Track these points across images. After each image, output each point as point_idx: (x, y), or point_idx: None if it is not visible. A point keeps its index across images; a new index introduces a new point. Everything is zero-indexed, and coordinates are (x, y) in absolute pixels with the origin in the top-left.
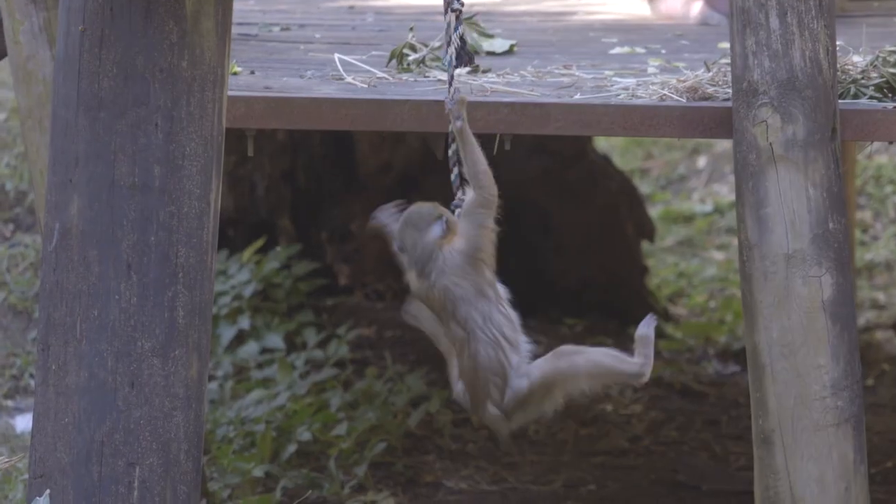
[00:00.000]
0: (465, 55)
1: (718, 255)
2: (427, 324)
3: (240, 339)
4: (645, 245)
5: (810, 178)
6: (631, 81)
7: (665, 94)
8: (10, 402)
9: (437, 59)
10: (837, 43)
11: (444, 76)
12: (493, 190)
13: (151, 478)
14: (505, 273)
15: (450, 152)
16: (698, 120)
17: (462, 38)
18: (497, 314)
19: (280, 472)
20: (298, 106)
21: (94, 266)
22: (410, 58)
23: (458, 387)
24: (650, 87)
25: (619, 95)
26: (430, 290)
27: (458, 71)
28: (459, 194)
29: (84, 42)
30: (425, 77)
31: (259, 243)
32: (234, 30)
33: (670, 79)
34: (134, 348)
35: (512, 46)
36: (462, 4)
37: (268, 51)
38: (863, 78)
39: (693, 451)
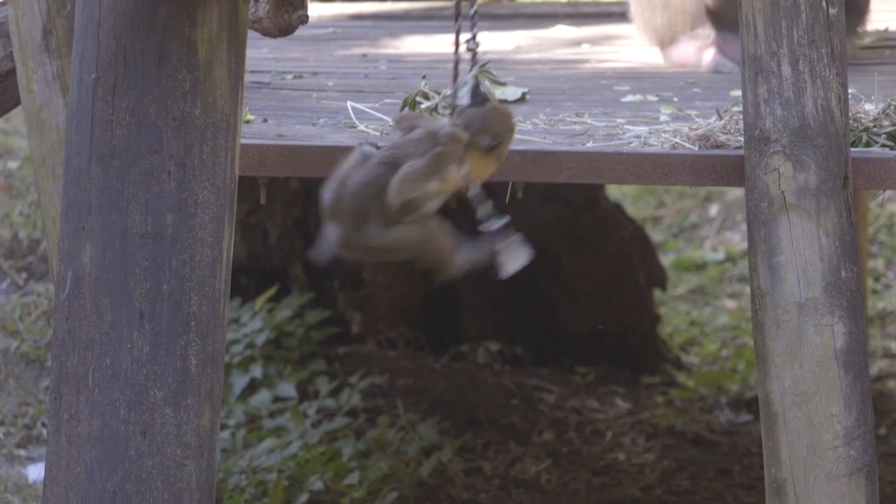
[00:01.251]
0: (479, 95)
1: (731, 304)
2: None
3: (252, 387)
4: (657, 293)
5: (822, 227)
6: (643, 129)
7: (677, 142)
8: (22, 452)
9: (451, 106)
10: (849, 91)
11: None
12: None
13: None
14: (517, 320)
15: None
16: (710, 168)
17: (477, 79)
18: None
19: None
20: (311, 154)
21: (106, 314)
22: (423, 105)
23: None
24: (662, 134)
25: (631, 143)
26: None
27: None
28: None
29: (97, 90)
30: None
31: (271, 291)
32: (247, 78)
33: (682, 127)
34: (146, 397)
35: (524, 94)
36: (477, 45)
37: (281, 99)
38: (875, 126)
39: (705, 501)
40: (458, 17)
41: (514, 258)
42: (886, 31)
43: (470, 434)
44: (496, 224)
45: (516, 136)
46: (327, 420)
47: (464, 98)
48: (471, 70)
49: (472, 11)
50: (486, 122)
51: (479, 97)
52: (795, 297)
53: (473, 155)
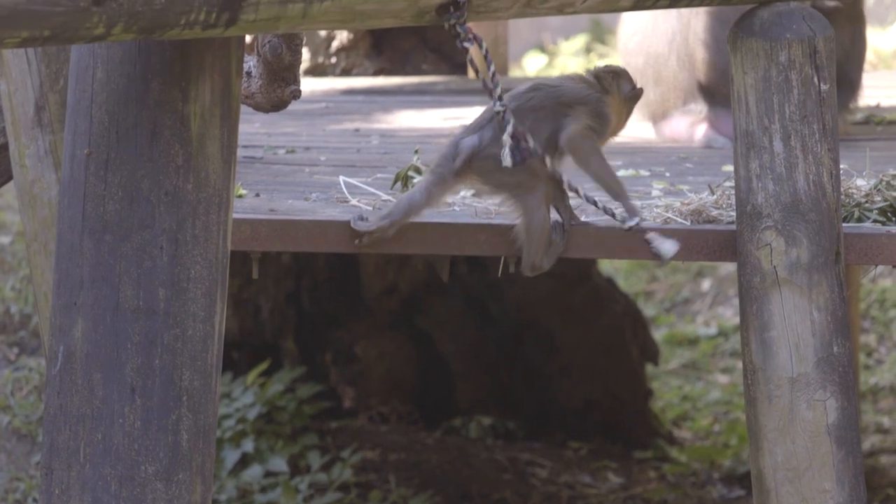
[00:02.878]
0: (522, 151)
1: (723, 379)
2: None
3: (244, 462)
4: (649, 368)
5: (814, 302)
6: (635, 204)
7: (669, 217)
8: None
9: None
10: (841, 166)
11: (450, 199)
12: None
13: None
14: (509, 395)
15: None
16: (702, 243)
17: (514, 136)
18: None
19: None
20: (303, 228)
21: (98, 389)
22: (415, 180)
23: None
24: (654, 209)
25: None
26: None
27: (462, 194)
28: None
29: (90, 165)
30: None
31: (263, 366)
32: (240, 152)
33: (674, 201)
34: (137, 472)
35: None
36: (504, 107)
37: (273, 173)
38: (866, 202)
39: None
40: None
41: (667, 246)
42: (878, 106)
43: None
44: (633, 222)
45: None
46: (319, 495)
47: (507, 159)
48: (505, 130)
49: (490, 73)
50: (624, 73)
51: (519, 155)
52: (787, 373)
53: (614, 103)
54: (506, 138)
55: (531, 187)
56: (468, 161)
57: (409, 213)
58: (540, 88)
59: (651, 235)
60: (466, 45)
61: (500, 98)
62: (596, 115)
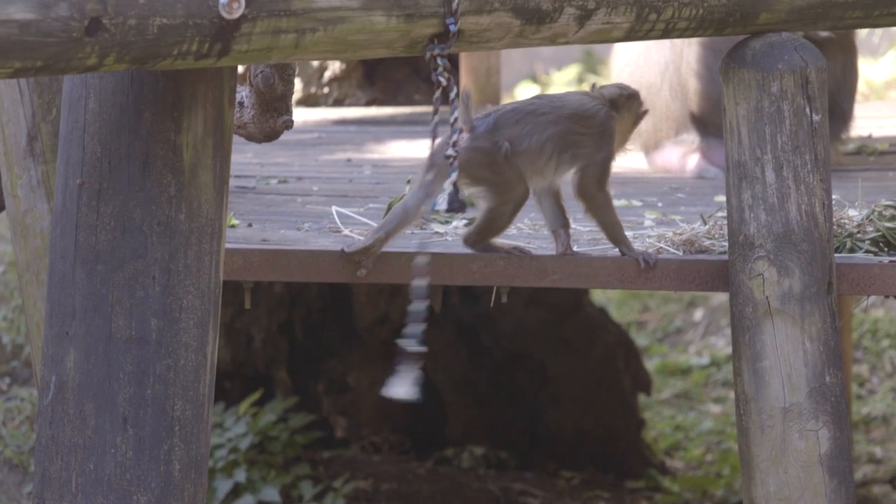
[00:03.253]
0: (458, 202)
1: (715, 409)
2: None
3: (236, 492)
4: (642, 398)
5: (807, 332)
6: (628, 234)
7: (661, 247)
8: None
9: (436, 212)
10: (833, 197)
11: (442, 229)
12: None
13: None
14: (501, 424)
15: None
16: (694, 273)
17: (455, 185)
18: None
19: None
20: (296, 258)
21: (90, 419)
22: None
23: None
24: (647, 239)
25: (615, 248)
26: None
27: (454, 224)
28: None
29: (82, 195)
30: (422, 229)
31: (255, 396)
32: (232, 182)
33: (667, 231)
34: (129, 502)
35: None
36: (456, 152)
37: (265, 203)
38: (859, 232)
39: None
40: (436, 115)
41: (401, 388)
42: (870, 137)
43: None
44: (412, 347)
45: (502, 240)
46: None
47: (442, 204)
48: (450, 177)
49: (451, 118)
50: (636, 93)
51: (456, 203)
52: (780, 403)
53: (621, 122)
54: (447, 185)
55: (512, 188)
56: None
57: (405, 219)
58: (542, 97)
59: None
60: (441, 79)
61: (454, 144)
62: (601, 135)
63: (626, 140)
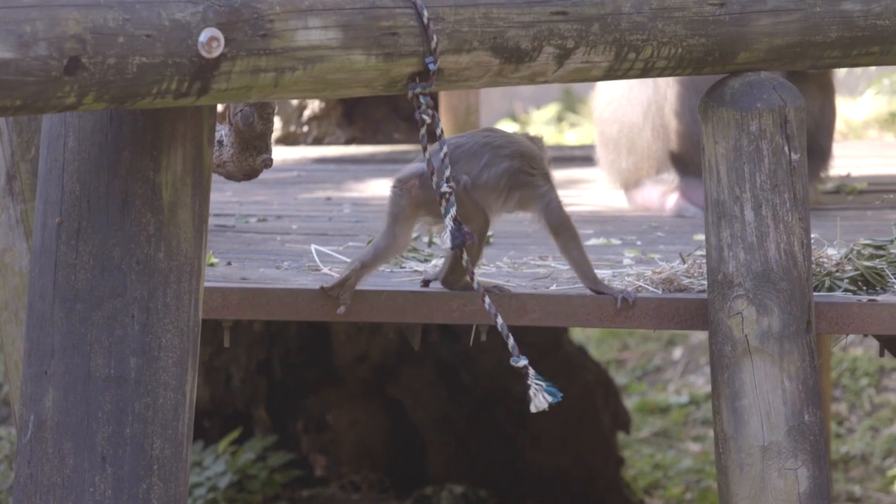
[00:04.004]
0: (461, 236)
1: (694, 447)
2: None
3: None
4: (621, 436)
5: (786, 371)
6: (607, 273)
7: (640, 286)
8: None
9: (414, 249)
10: (812, 236)
11: (420, 267)
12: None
13: None
14: (480, 463)
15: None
16: (673, 311)
17: (456, 220)
18: None
19: None
20: (275, 297)
21: (68, 458)
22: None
23: None
24: (626, 278)
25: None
26: None
27: (433, 262)
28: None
29: (61, 234)
30: (401, 268)
31: (235, 434)
32: (211, 221)
33: (646, 270)
34: None
35: (488, 237)
36: (452, 188)
37: (245, 242)
38: (837, 271)
39: None
40: (426, 152)
41: (543, 398)
42: (848, 176)
43: None
44: (518, 362)
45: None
46: None
47: (446, 241)
48: (447, 212)
49: (441, 154)
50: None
51: (459, 239)
52: (759, 441)
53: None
54: (447, 221)
55: (471, 219)
56: (416, 185)
57: (379, 255)
58: (495, 131)
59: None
60: (425, 117)
61: (447, 180)
62: (547, 177)
63: None
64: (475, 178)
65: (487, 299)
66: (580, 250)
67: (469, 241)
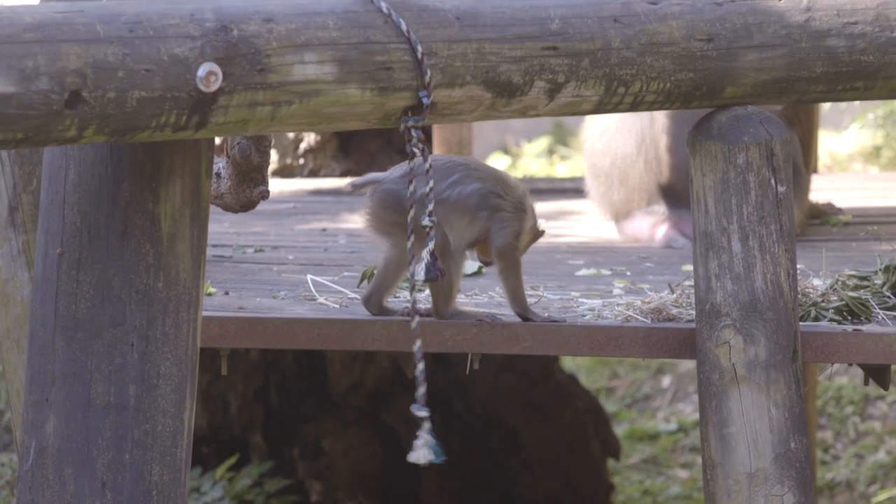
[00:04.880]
0: (436, 271)
1: (683, 474)
2: None
3: None
4: (611, 463)
5: (772, 399)
6: (597, 302)
7: (630, 315)
8: None
9: (407, 279)
10: (798, 266)
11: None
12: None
13: None
14: (473, 489)
15: (417, 371)
16: (662, 341)
17: (433, 254)
18: None
19: None
20: (271, 326)
21: (69, 484)
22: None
23: None
24: (615, 308)
25: (585, 316)
26: None
27: (426, 292)
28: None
29: (62, 264)
30: (395, 297)
31: (232, 460)
32: (209, 251)
33: (635, 300)
34: None
35: (480, 268)
36: (433, 221)
37: (242, 272)
38: (823, 301)
39: None
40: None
41: (425, 454)
42: (829, 204)
43: None
44: (419, 412)
45: (474, 308)
46: None
47: (420, 274)
48: (426, 245)
49: (427, 188)
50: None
51: (434, 272)
52: (746, 468)
53: (526, 230)
54: (424, 254)
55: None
56: (369, 192)
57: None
58: (473, 159)
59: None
60: (415, 150)
61: (430, 214)
62: (518, 208)
63: (525, 243)
64: (439, 192)
65: (415, 323)
66: (517, 278)
67: (440, 278)
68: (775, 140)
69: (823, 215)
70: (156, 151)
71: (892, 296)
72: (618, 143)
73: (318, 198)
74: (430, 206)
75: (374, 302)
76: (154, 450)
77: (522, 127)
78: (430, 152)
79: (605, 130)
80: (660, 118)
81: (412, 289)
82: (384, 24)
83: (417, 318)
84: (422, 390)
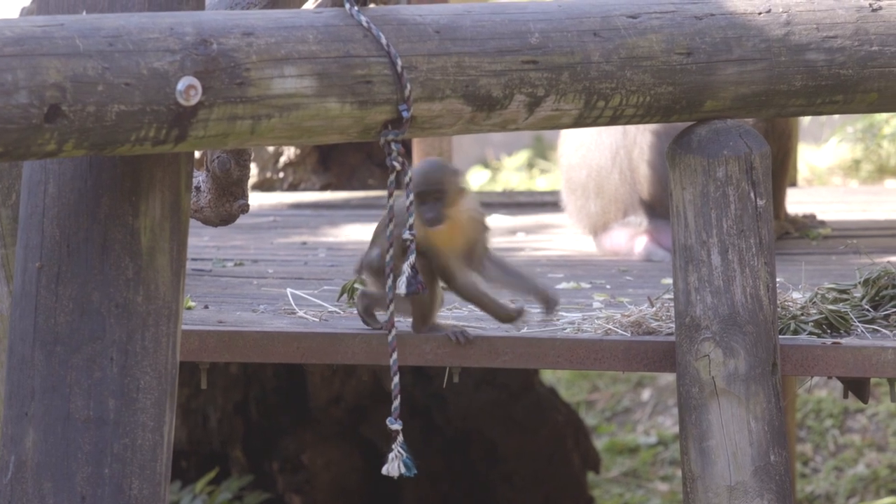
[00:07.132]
0: (416, 284)
1: (663, 487)
2: None
3: None
4: (590, 476)
5: (752, 412)
6: (577, 316)
7: (610, 329)
8: None
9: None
10: (777, 280)
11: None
12: None
13: None
14: (453, 502)
15: (392, 385)
16: (642, 354)
17: (413, 267)
18: None
19: None
20: (251, 340)
21: (48, 499)
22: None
23: None
24: (595, 321)
25: (565, 329)
26: None
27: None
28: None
29: (41, 278)
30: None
31: (212, 474)
32: (189, 265)
33: (615, 313)
34: None
35: None
36: (413, 236)
37: (221, 286)
38: (802, 314)
39: None
40: (391, 197)
41: (396, 467)
42: (813, 217)
43: None
44: (393, 425)
45: (453, 321)
46: None
47: (401, 287)
48: (407, 259)
49: (407, 202)
50: None
51: (415, 286)
52: (726, 481)
53: None
54: (405, 267)
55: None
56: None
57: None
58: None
59: None
60: (395, 164)
61: (410, 227)
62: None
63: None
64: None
65: (391, 336)
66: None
67: (421, 291)
68: (755, 153)
69: (804, 228)
70: (135, 165)
71: (871, 309)
72: (593, 155)
73: (298, 211)
74: (411, 220)
75: (423, 324)
76: (133, 464)
77: (502, 140)
78: (410, 166)
79: (580, 144)
80: (635, 129)
81: (390, 302)
82: (364, 38)
83: (394, 332)
84: (396, 403)
